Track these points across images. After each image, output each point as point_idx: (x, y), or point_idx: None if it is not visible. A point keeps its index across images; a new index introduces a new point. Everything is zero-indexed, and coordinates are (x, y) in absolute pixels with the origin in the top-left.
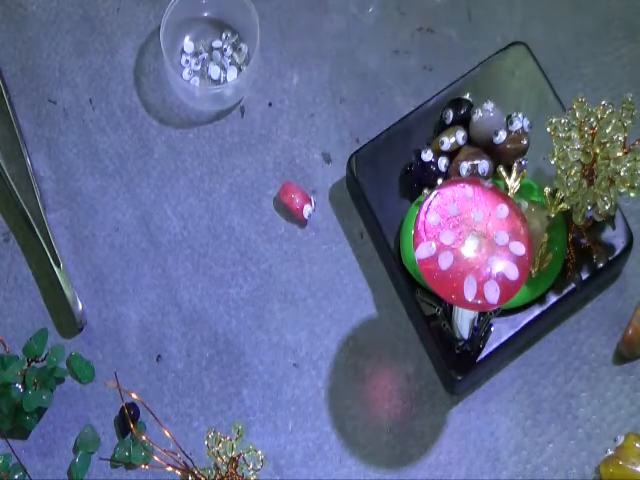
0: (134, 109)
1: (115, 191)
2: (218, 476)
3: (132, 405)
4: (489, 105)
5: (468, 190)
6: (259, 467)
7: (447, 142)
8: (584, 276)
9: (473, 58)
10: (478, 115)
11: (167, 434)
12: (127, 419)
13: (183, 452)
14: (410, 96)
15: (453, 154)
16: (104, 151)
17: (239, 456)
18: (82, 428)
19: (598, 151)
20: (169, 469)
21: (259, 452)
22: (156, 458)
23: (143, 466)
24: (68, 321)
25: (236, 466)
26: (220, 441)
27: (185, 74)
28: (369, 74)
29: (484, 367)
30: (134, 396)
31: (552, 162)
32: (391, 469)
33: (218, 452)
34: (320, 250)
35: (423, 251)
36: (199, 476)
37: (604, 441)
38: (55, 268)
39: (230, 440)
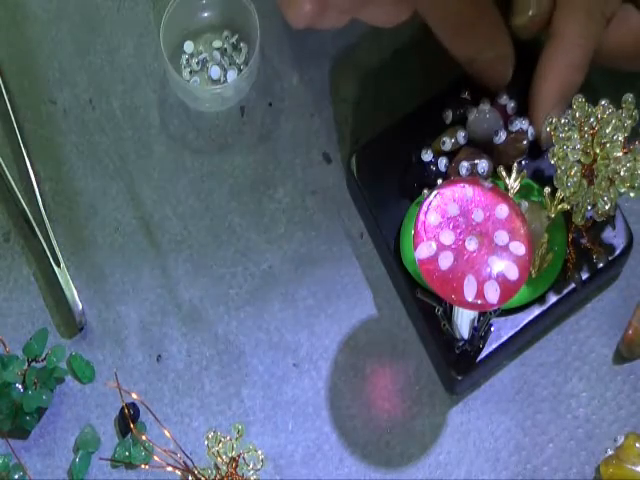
0: (134, 109)
1: (115, 191)
2: (218, 476)
3: (132, 405)
4: (486, 105)
5: (468, 190)
6: (259, 467)
7: (448, 142)
8: (584, 276)
9: None
10: (474, 115)
11: (167, 434)
12: (127, 419)
13: (183, 452)
14: (410, 96)
15: (453, 154)
16: (104, 151)
17: (239, 456)
18: (82, 428)
19: (598, 151)
20: (169, 469)
21: (259, 452)
22: (156, 458)
23: (143, 466)
24: (68, 321)
25: (236, 466)
26: (220, 441)
27: (185, 74)
28: (369, 74)
29: (484, 367)
30: (134, 396)
31: (552, 162)
32: (391, 469)
33: (218, 452)
34: (320, 250)
35: (423, 251)
36: (199, 476)
37: (604, 441)
38: (55, 268)
39: (230, 440)
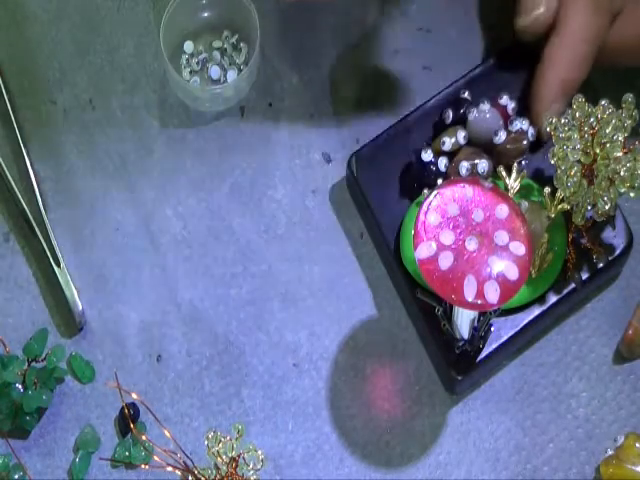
0: (134, 109)
1: (115, 191)
2: (218, 476)
3: (132, 405)
4: (485, 106)
5: (468, 190)
6: (259, 467)
7: (448, 142)
8: (584, 276)
9: (473, 58)
10: (474, 115)
11: (167, 434)
12: (127, 419)
13: (183, 452)
14: (410, 96)
15: (453, 154)
16: (104, 151)
17: (239, 456)
18: (82, 428)
19: (598, 151)
20: (169, 469)
21: (259, 452)
22: (156, 458)
23: (143, 466)
24: (68, 321)
25: (236, 466)
26: (220, 441)
27: (185, 74)
28: (369, 74)
29: (484, 367)
30: (134, 396)
31: (552, 162)
32: (391, 469)
33: (218, 452)
34: (320, 250)
35: (423, 251)
36: (199, 476)
37: (604, 441)
38: (55, 268)
39: (230, 440)
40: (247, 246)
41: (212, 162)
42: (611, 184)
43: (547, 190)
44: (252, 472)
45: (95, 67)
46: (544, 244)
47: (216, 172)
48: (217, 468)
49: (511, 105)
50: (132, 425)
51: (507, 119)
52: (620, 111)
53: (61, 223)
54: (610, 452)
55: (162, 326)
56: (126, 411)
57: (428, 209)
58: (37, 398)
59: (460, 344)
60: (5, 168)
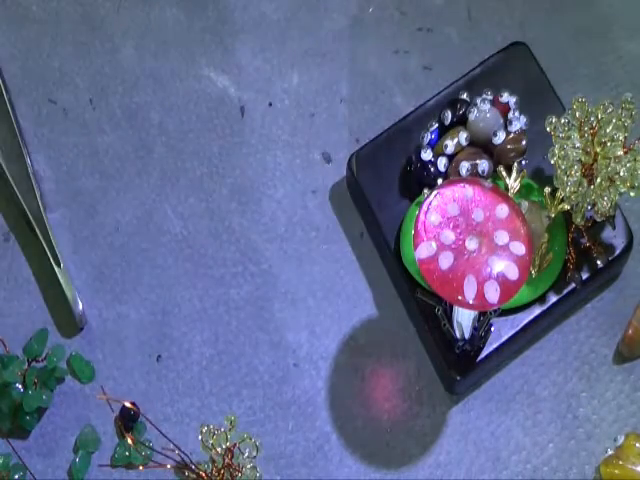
0: (134, 109)
1: (115, 191)
2: (215, 468)
3: (132, 404)
4: (486, 106)
5: (468, 190)
6: (254, 454)
7: (451, 145)
8: (584, 276)
9: (473, 58)
10: (474, 115)
11: (163, 436)
12: (121, 430)
13: (178, 448)
14: (410, 96)
15: (453, 154)
16: (104, 151)
17: (234, 446)
18: (82, 428)
19: (599, 150)
20: (168, 466)
21: (253, 440)
22: (153, 462)
23: (140, 468)
24: (68, 321)
25: (232, 456)
26: (214, 434)
27: None
28: (369, 74)
29: (484, 367)
30: (127, 404)
31: (552, 162)
32: (391, 469)
33: (212, 445)
34: (320, 250)
35: (423, 251)
36: (197, 470)
37: (604, 441)
38: (55, 268)
39: (224, 431)
40: (247, 246)
41: (212, 162)
42: (611, 184)
43: (547, 190)
44: (248, 460)
45: (95, 67)
46: (544, 244)
47: (216, 172)
48: (212, 461)
49: (513, 99)
50: (127, 432)
51: (508, 112)
52: (620, 110)
53: (61, 223)
54: (610, 452)
55: (162, 326)
56: (120, 423)
57: (428, 209)
58: (37, 398)
59: (460, 344)
60: (5, 168)
